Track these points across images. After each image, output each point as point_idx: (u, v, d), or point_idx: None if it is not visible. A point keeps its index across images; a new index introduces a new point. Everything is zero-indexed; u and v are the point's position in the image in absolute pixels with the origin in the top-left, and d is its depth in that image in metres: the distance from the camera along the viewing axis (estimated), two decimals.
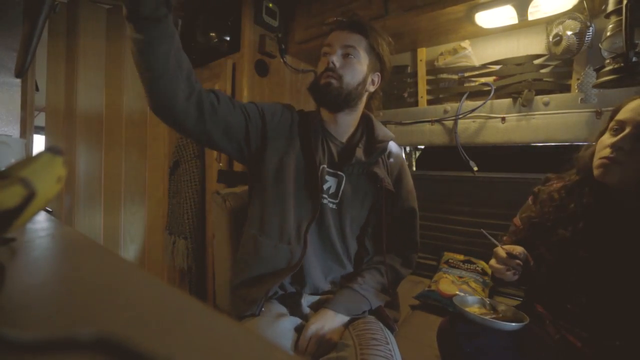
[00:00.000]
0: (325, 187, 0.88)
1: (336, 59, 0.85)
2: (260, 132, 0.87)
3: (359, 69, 0.87)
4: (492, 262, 0.81)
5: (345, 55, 0.86)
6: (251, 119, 0.85)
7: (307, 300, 0.86)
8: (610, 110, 0.78)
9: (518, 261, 0.77)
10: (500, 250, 0.79)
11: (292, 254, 0.82)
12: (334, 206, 0.88)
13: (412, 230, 0.97)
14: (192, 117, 0.74)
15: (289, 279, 0.85)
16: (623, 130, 0.70)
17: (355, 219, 0.90)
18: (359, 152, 0.89)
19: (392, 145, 0.98)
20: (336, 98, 0.86)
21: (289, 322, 0.77)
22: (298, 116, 0.94)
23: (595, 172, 0.74)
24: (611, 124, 0.75)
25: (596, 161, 0.74)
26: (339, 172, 0.89)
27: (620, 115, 0.73)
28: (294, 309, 0.84)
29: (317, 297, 0.88)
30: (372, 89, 0.93)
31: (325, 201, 0.87)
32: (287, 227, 0.83)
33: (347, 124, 0.93)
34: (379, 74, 0.93)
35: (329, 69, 0.85)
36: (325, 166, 0.89)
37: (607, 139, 0.73)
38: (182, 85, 0.70)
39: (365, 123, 0.96)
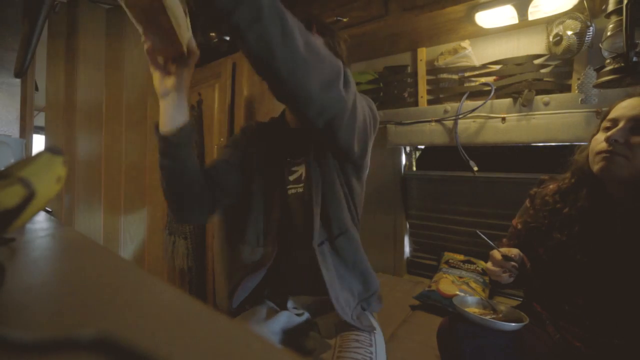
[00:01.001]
0: (294, 177, 0.89)
1: None
2: (243, 154, 0.91)
3: None
4: (488, 264, 0.81)
5: None
6: (234, 147, 0.92)
7: (292, 302, 0.86)
8: None
9: (513, 263, 0.78)
10: (496, 253, 0.80)
11: (265, 254, 0.85)
12: (302, 189, 0.88)
13: None
14: (208, 191, 0.82)
15: (274, 278, 0.87)
16: (616, 126, 0.72)
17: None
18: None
19: None
20: None
21: (277, 323, 0.78)
22: (261, 125, 1.00)
23: (596, 167, 0.74)
24: (603, 124, 0.76)
25: (594, 158, 0.75)
26: (303, 157, 0.90)
27: (612, 114, 0.74)
28: (283, 308, 0.85)
29: (308, 297, 0.88)
30: None
31: (292, 191, 0.88)
32: (258, 230, 0.86)
33: None
34: None
35: None
36: (290, 159, 0.90)
37: (601, 136, 0.74)
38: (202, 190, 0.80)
39: None
